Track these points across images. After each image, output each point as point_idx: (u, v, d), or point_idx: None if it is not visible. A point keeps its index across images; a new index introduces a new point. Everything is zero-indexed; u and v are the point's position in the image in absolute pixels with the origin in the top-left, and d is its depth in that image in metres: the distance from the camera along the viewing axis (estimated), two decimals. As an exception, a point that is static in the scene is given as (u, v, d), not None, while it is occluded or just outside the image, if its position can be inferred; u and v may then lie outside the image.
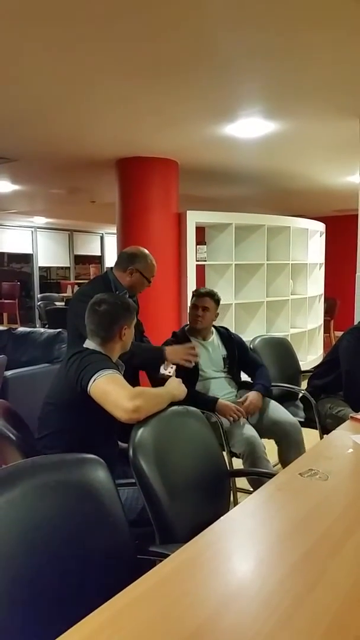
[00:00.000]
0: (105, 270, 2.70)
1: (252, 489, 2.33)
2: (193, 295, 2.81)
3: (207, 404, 2.50)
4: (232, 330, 5.08)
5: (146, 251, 2.60)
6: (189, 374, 2.52)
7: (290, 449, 2.58)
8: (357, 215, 3.86)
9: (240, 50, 2.56)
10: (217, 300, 2.78)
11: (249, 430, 2.45)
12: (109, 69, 2.79)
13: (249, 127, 3.84)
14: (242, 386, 2.81)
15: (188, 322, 2.83)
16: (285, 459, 2.60)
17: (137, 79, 2.93)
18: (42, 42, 2.45)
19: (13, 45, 2.48)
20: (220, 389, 2.70)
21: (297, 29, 2.33)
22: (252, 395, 2.59)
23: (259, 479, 2.26)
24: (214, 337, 2.82)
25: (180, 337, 2.76)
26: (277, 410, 2.69)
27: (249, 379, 2.88)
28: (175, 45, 2.48)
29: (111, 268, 2.61)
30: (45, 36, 2.39)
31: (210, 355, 2.76)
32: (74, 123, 3.78)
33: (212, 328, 2.84)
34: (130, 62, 2.68)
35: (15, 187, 6.27)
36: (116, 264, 2.59)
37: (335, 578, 1.08)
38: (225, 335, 2.86)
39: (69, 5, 2.11)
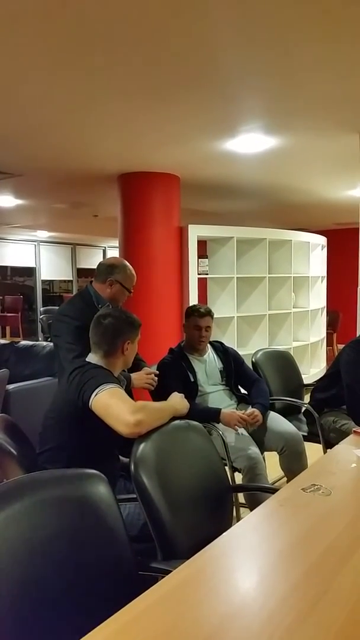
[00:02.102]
0: (85, 285, 2.65)
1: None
2: (191, 315, 2.77)
3: (211, 414, 2.50)
4: (234, 343, 5.14)
5: (125, 261, 2.57)
6: (188, 389, 2.52)
7: (292, 460, 2.57)
8: (358, 229, 3.89)
9: (240, 68, 2.60)
10: (212, 317, 2.82)
11: (252, 446, 2.44)
12: (112, 88, 2.83)
13: (250, 142, 3.88)
14: (241, 400, 2.81)
15: (184, 339, 2.84)
16: (287, 470, 2.60)
17: (138, 97, 2.97)
18: (48, 64, 2.49)
19: (20, 66, 2.53)
20: (220, 401, 2.69)
21: (297, 46, 2.37)
22: (255, 410, 2.58)
23: (256, 497, 2.25)
24: (210, 352, 2.84)
25: (177, 354, 2.77)
26: (278, 421, 2.69)
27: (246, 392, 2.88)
28: (176, 64, 2.52)
29: (91, 281, 2.57)
30: (50, 59, 2.44)
31: (207, 370, 2.77)
32: (77, 140, 3.83)
33: (207, 343, 2.85)
34: (132, 81, 2.73)
35: (19, 201, 6.33)
36: (95, 276, 2.54)
37: (339, 595, 1.07)
38: (220, 349, 2.87)
39: (72, 31, 2.15)
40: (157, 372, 2.51)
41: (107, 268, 2.50)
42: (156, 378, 2.45)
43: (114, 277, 2.47)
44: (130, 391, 2.36)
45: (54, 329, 2.48)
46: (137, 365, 2.61)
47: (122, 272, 2.49)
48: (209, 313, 2.78)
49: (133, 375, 2.40)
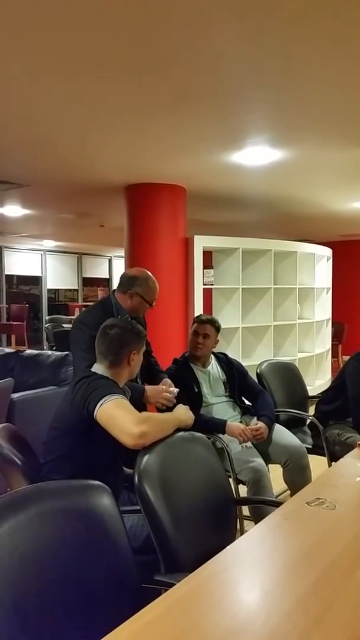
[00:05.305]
0: (108, 294, 2.62)
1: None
2: (194, 322, 2.82)
3: (217, 426, 2.50)
4: (239, 354, 5.14)
5: (148, 273, 2.53)
6: (193, 400, 2.52)
7: (295, 473, 2.56)
8: (363, 241, 3.89)
9: (247, 81, 2.63)
10: (217, 328, 2.80)
11: (257, 459, 2.43)
12: (118, 100, 2.87)
13: (256, 154, 3.90)
14: (245, 411, 2.80)
15: (188, 349, 2.84)
16: (290, 483, 2.58)
17: (144, 109, 3.00)
18: (53, 75, 2.53)
19: (27, 78, 2.56)
20: (224, 413, 2.69)
21: (303, 59, 2.39)
22: (262, 426, 2.57)
23: (260, 509, 2.24)
24: (213, 363, 2.83)
25: (181, 364, 2.77)
26: (282, 434, 2.68)
27: (251, 404, 2.87)
28: (182, 76, 2.55)
29: (114, 291, 2.56)
30: (56, 71, 2.48)
31: (210, 381, 2.77)
32: (84, 151, 3.87)
33: (211, 355, 2.84)
34: (138, 93, 2.76)
35: (26, 211, 6.39)
36: (118, 286, 2.53)
37: (343, 611, 1.06)
38: (224, 360, 2.87)
39: (78, 43, 2.19)
40: (177, 390, 2.35)
41: (129, 279, 2.47)
42: (174, 399, 2.28)
43: (134, 289, 2.44)
44: (143, 404, 2.26)
45: (71, 337, 2.44)
46: (154, 377, 2.55)
47: (143, 284, 2.46)
48: (210, 321, 2.78)
49: (148, 389, 2.32)
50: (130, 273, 2.54)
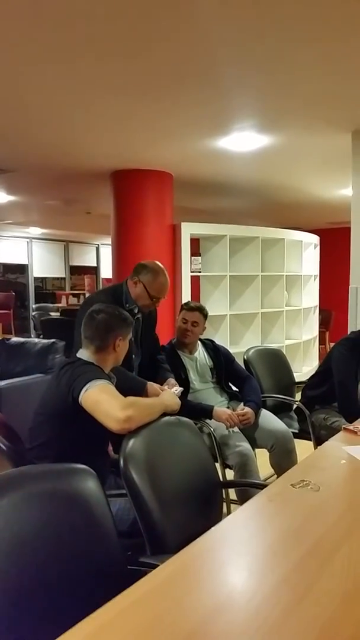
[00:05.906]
0: (125, 280, 2.60)
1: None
2: (182, 309, 2.81)
3: (204, 412, 2.51)
4: (227, 341, 5.15)
5: (160, 268, 2.49)
6: (180, 386, 2.52)
7: (282, 457, 2.58)
8: (350, 228, 3.90)
9: (233, 66, 2.60)
10: (205, 315, 2.80)
11: (243, 443, 2.45)
12: (104, 84, 2.82)
13: (243, 140, 3.88)
14: (232, 397, 2.81)
15: (175, 336, 2.84)
16: (277, 467, 2.61)
17: (131, 94, 2.97)
18: (39, 61, 2.48)
19: (12, 61, 2.51)
20: (211, 399, 2.70)
21: (290, 45, 2.37)
22: (248, 411, 2.59)
23: (246, 492, 2.26)
24: (200, 350, 2.84)
25: (168, 351, 2.77)
26: (268, 419, 2.70)
27: (238, 389, 2.88)
28: (168, 60, 2.52)
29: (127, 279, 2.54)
30: (42, 55, 2.43)
31: (198, 368, 2.77)
32: (70, 136, 3.81)
33: (198, 341, 2.85)
34: (124, 77, 2.72)
35: (11, 197, 6.30)
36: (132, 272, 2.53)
37: (325, 590, 1.07)
38: (211, 347, 2.88)
39: (65, 26, 2.14)
40: (181, 389, 2.32)
41: (139, 267, 2.48)
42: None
43: (139, 277, 2.44)
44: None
45: (78, 315, 2.39)
46: (159, 374, 2.52)
47: (149, 274, 2.44)
48: (199, 309, 2.78)
49: (149, 386, 2.29)
50: (143, 262, 2.54)
